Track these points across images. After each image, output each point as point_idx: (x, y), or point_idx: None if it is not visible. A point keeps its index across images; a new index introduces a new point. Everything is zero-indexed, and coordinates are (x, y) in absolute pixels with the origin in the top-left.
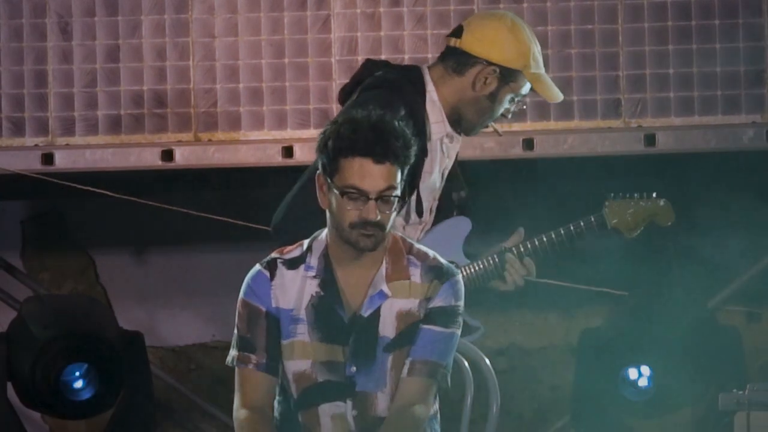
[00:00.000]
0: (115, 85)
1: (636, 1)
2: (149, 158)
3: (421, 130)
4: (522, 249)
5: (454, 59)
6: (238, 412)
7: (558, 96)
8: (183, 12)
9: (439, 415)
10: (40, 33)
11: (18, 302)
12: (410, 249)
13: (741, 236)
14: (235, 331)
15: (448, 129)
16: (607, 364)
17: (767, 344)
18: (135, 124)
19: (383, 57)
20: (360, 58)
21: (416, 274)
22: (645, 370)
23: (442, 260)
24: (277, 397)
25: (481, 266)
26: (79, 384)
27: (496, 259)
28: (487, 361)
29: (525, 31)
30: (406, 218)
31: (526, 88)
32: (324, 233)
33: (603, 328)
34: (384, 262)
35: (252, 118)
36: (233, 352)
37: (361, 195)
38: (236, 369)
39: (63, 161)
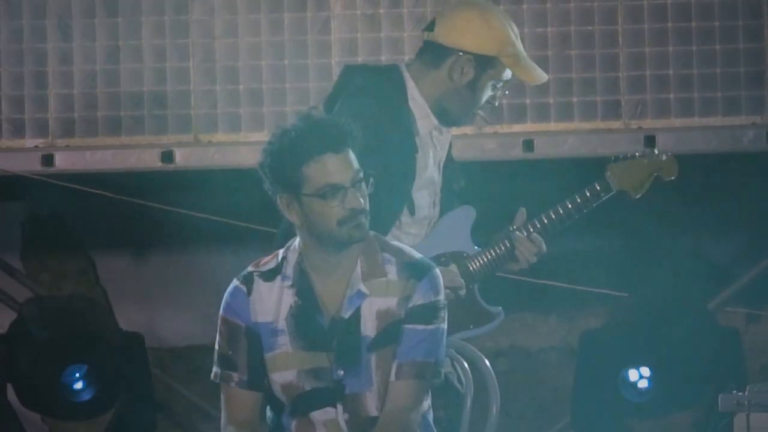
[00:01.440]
0: (115, 87)
1: (636, 3)
2: (149, 159)
3: (408, 129)
4: (530, 228)
5: (429, 52)
6: (226, 429)
7: (540, 77)
8: (183, 13)
9: (431, 410)
10: (40, 34)
11: (18, 303)
12: (384, 246)
13: (741, 237)
14: (216, 347)
15: (435, 122)
16: (607, 366)
17: (767, 345)
18: (135, 125)
19: (383, 58)
20: (360, 60)
21: (392, 271)
22: (645, 371)
23: (417, 255)
24: (268, 409)
25: (494, 252)
26: (78, 385)
27: (507, 243)
28: (487, 362)
29: (497, 15)
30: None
31: (507, 74)
32: (296, 242)
33: (603, 329)
34: (359, 261)
35: (252, 119)
36: (215, 369)
37: (338, 189)
38: (221, 385)
39: (63, 162)
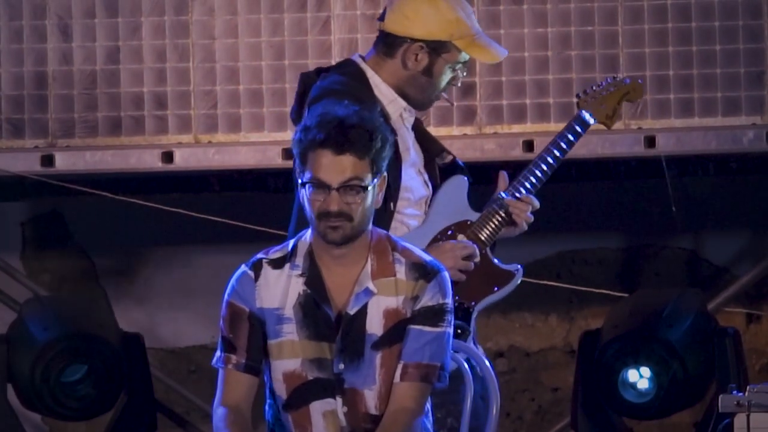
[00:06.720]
0: (115, 87)
1: (636, 3)
2: (149, 160)
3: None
4: (518, 188)
5: (383, 42)
6: (217, 410)
7: (497, 55)
8: (183, 14)
9: (431, 414)
10: (40, 34)
11: (18, 304)
12: (395, 247)
13: (741, 237)
14: (220, 332)
15: (403, 103)
16: (607, 366)
17: (767, 345)
18: (135, 125)
19: None
20: None
21: (401, 271)
22: (645, 371)
23: (427, 257)
24: (267, 401)
25: (498, 220)
26: (79, 386)
27: (501, 212)
28: (488, 362)
29: None
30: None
31: (464, 55)
32: (308, 233)
33: (603, 329)
34: (369, 259)
35: (252, 119)
36: (217, 353)
37: (322, 186)
38: (219, 369)
39: (63, 163)
